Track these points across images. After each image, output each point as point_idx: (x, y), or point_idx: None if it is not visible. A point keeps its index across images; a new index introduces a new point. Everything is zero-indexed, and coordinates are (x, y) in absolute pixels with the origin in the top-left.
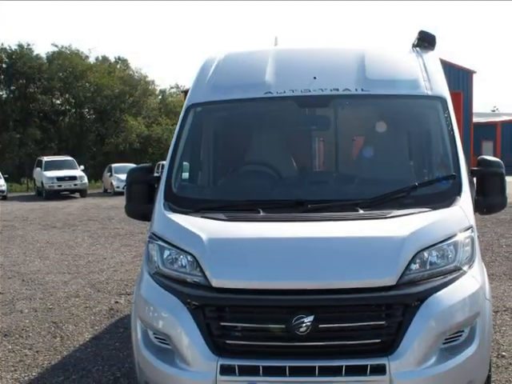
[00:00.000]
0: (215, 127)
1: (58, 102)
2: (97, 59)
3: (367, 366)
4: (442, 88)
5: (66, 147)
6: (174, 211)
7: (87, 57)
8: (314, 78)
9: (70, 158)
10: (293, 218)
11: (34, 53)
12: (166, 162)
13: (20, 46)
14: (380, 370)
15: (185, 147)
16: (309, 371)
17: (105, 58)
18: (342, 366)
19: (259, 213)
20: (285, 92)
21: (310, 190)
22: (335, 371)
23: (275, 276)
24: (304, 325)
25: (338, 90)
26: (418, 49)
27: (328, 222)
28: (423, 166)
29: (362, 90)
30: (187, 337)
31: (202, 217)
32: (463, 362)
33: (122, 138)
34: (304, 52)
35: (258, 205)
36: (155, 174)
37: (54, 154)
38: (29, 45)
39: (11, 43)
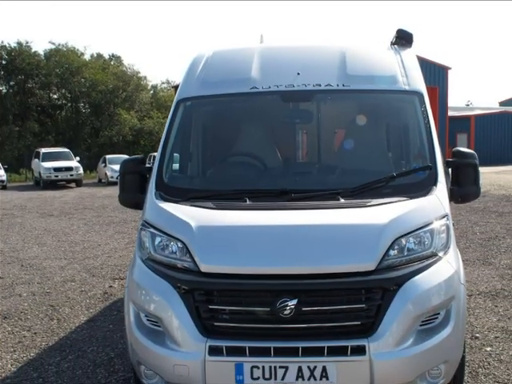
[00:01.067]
0: (204, 120)
1: (55, 96)
2: (92, 56)
3: (348, 346)
4: (418, 83)
5: (62, 139)
6: (165, 200)
7: (82, 54)
8: (298, 73)
9: (66, 150)
10: (278, 206)
11: (32, 50)
12: (157, 154)
13: (19, 43)
14: (360, 350)
15: (175, 139)
16: (292, 352)
17: (99, 55)
18: (324, 347)
19: (246, 201)
20: (270, 87)
21: (294, 180)
22: (317, 352)
23: (261, 261)
24: (288, 308)
25: (320, 85)
26: (396, 46)
27: (311, 211)
28: (401, 158)
29: (343, 85)
30: (177, 319)
31: (191, 205)
32: (439, 342)
33: (115, 131)
34: (288, 49)
35: (245, 194)
36: (147, 165)
37: (51, 146)
38: (27, 42)
39: (10, 41)
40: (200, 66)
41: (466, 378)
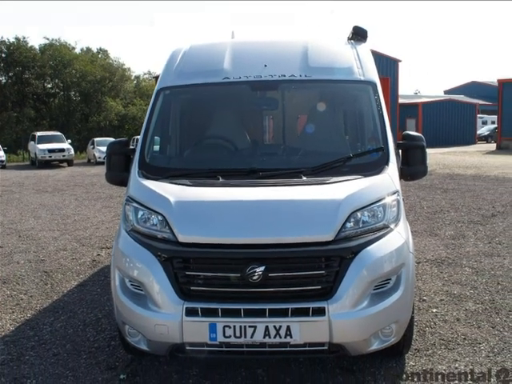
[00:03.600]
0: (181, 107)
1: (49, 86)
2: (82, 50)
3: (309, 308)
4: (372, 74)
5: (55, 124)
6: (147, 178)
7: (73, 48)
8: (265, 65)
9: (59, 133)
10: (247, 183)
11: (29, 45)
12: (140, 137)
13: (17, 38)
14: (320, 311)
15: (156, 124)
16: (260, 313)
17: (88, 49)
18: (288, 309)
19: (218, 179)
20: (240, 77)
21: (262, 160)
22: (283, 313)
23: (232, 232)
24: (256, 274)
25: (285, 75)
26: (352, 41)
27: (277, 187)
28: (357, 140)
29: (305, 75)
30: (158, 284)
31: (170, 183)
32: (390, 305)
33: (102, 117)
34: (257, 44)
35: (218, 172)
36: (131, 147)
37: (46, 130)
38: (24, 38)
39: (9, 36)
40: (178, 58)
41: (414, 336)
